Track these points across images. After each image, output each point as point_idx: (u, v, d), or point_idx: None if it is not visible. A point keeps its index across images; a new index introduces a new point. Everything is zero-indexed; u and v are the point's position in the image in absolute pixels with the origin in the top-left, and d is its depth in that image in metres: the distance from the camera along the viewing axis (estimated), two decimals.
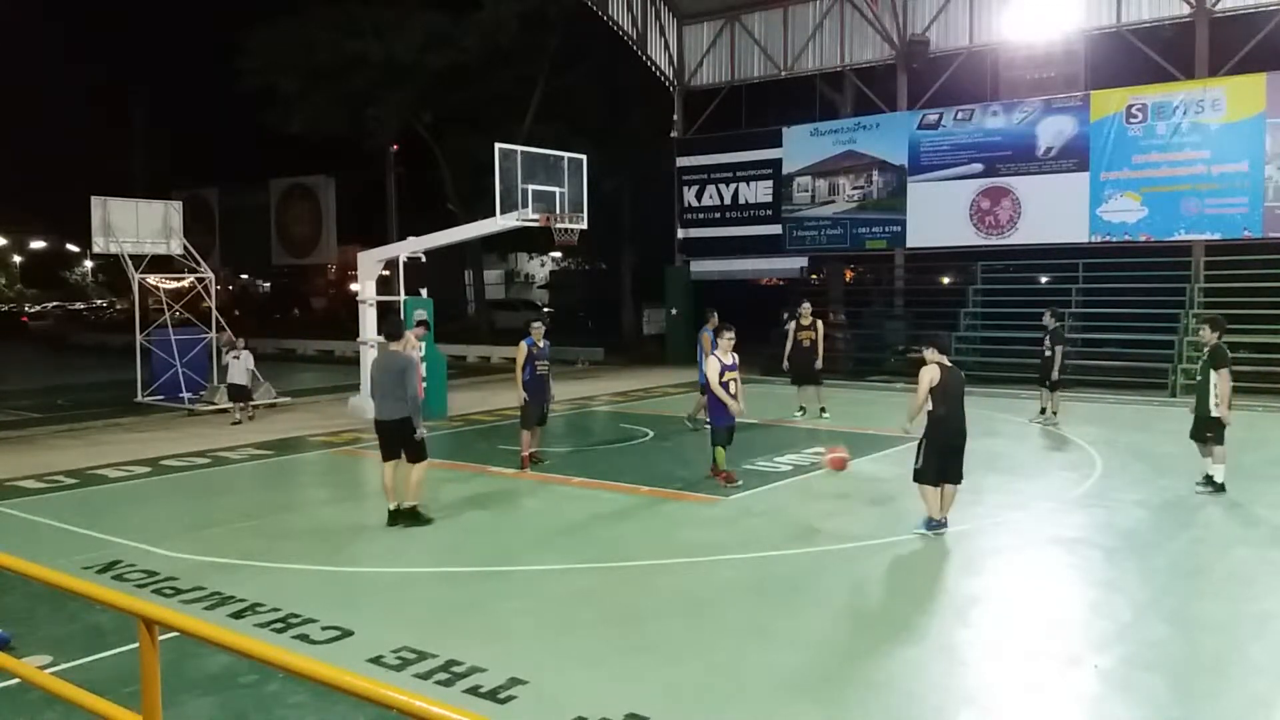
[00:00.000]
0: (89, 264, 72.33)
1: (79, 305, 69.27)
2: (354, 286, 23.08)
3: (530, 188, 15.24)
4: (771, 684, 5.68)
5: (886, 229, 24.95)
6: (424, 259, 17.14)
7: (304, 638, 6.40)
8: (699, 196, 28.35)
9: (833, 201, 25.85)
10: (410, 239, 17.10)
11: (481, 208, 23.76)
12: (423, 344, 14.67)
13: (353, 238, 44.65)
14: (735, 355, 10.95)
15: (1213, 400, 10.09)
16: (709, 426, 11.23)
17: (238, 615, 6.84)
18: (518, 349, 12.04)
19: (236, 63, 34.70)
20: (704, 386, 11.48)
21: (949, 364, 8.78)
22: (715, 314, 13.75)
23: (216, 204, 47.42)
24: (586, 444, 14.93)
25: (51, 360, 31.67)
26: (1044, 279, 24.60)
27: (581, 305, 46.15)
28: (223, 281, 43.01)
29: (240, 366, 16.44)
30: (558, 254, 51.26)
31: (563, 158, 16.10)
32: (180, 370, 18.68)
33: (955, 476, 8.74)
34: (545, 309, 45.11)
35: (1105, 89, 22.11)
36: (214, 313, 19.83)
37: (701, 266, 28.34)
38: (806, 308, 16.48)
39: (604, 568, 8.12)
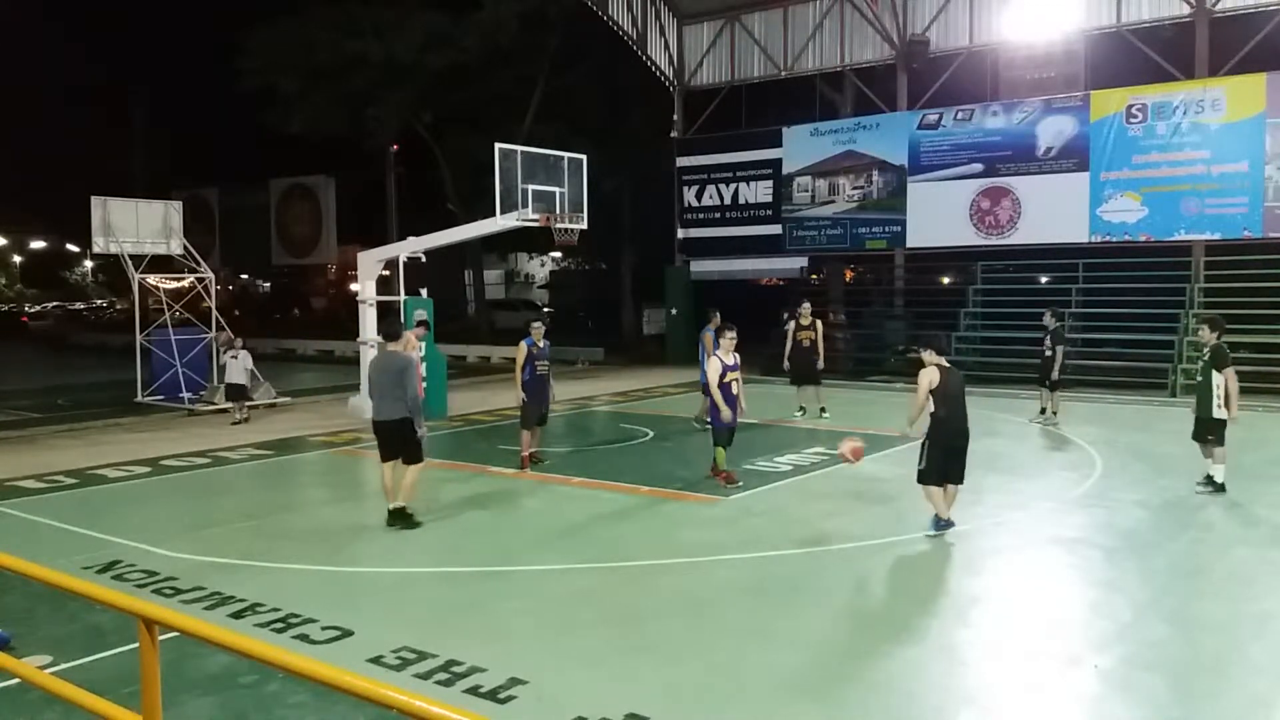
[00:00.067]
0: (89, 264, 72.35)
1: (79, 305, 69.28)
2: (354, 286, 23.08)
3: (530, 188, 15.24)
4: (771, 684, 5.68)
5: (886, 229, 24.95)
6: (424, 259, 17.14)
7: (304, 638, 6.40)
8: (699, 196, 28.35)
9: (833, 201, 25.85)
10: (410, 239, 17.09)
11: (481, 208, 23.76)
12: (423, 344, 14.67)
13: (353, 238, 44.67)
14: (737, 355, 10.95)
15: (1214, 402, 10.08)
16: (710, 426, 11.23)
17: (238, 615, 6.84)
18: (517, 349, 12.04)
19: (236, 63, 34.72)
20: (705, 387, 11.48)
21: (947, 365, 8.78)
22: (717, 314, 13.71)
23: (216, 204, 47.42)
24: (586, 444, 14.93)
25: (51, 360, 31.67)
26: (1044, 279, 24.60)
27: (581, 305, 46.14)
28: (223, 281, 43.01)
29: (238, 366, 16.45)
30: (558, 254, 51.25)
31: (563, 158, 16.10)
32: (180, 370, 18.67)
33: (957, 477, 8.75)
34: (545, 309, 45.12)
35: (1105, 89, 22.11)
36: (214, 313, 19.84)
37: (701, 266, 28.34)
38: (806, 308, 16.47)
39: (604, 568, 8.12)
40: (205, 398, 18.37)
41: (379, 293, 17.28)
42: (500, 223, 15.37)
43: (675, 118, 28.96)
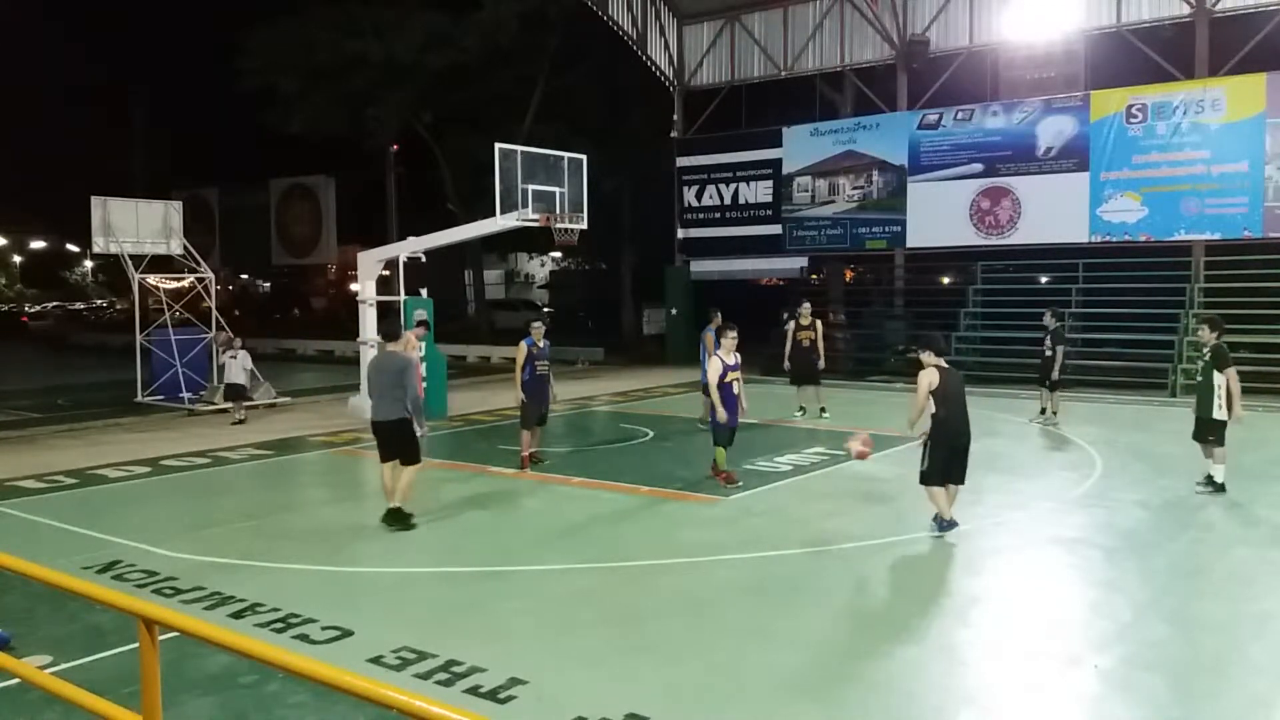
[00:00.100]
0: (89, 264, 72.36)
1: (79, 305, 69.30)
2: (354, 286, 23.08)
3: (530, 188, 15.24)
4: (771, 684, 5.68)
5: (886, 229, 24.95)
6: (424, 259, 17.14)
7: (304, 638, 6.40)
8: (699, 196, 28.35)
9: (833, 201, 25.86)
10: (410, 239, 17.09)
11: (481, 208, 23.76)
12: (423, 344, 14.67)
13: (353, 238, 44.67)
14: (738, 355, 10.94)
15: (1215, 402, 10.07)
16: (710, 426, 11.23)
17: (238, 615, 6.84)
18: (517, 349, 12.04)
19: (236, 63, 34.72)
20: (705, 387, 11.47)
21: (946, 365, 8.77)
22: (719, 314, 13.71)
23: (216, 204, 47.42)
24: (586, 444, 14.94)
25: (51, 360, 31.67)
26: (1044, 279, 24.61)
27: (581, 305, 46.15)
28: (223, 281, 43.02)
29: (238, 366, 16.46)
30: (558, 254, 51.26)
31: (563, 158, 16.10)
32: (180, 370, 18.67)
33: (958, 477, 8.74)
34: (545, 309, 45.12)
35: (1105, 89, 22.12)
36: (214, 313, 19.84)
37: (701, 266, 28.35)
38: (806, 308, 16.47)
39: (604, 568, 8.12)
40: (205, 398, 18.38)
41: (379, 293, 17.28)
42: (500, 223, 15.37)
43: (675, 118, 28.96)
